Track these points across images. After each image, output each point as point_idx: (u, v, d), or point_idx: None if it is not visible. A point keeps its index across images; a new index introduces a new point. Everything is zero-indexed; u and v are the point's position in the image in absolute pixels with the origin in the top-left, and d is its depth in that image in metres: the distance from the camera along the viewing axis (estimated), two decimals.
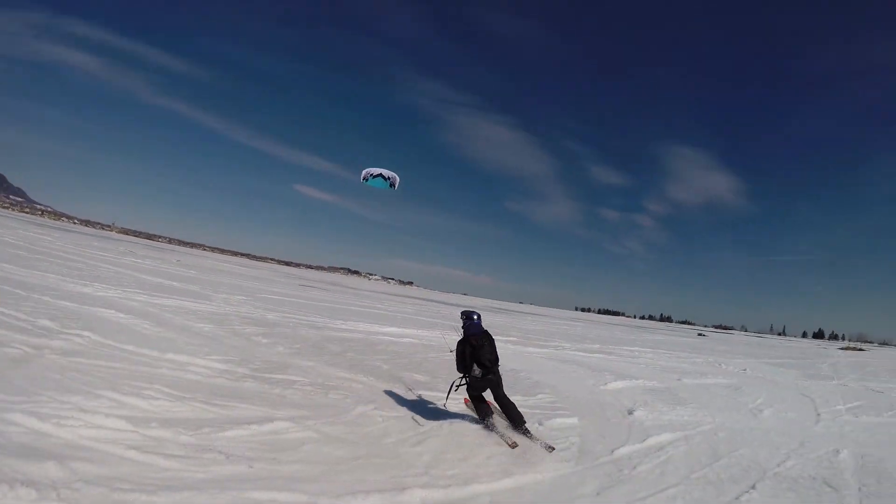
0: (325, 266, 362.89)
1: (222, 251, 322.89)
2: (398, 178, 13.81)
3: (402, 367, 12.58)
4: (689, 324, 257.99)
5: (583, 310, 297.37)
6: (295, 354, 12.24)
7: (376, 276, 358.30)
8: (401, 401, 9.23)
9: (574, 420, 9.39)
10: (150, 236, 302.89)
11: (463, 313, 8.48)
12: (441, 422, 7.97)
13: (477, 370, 7.82)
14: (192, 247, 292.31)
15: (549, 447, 7.45)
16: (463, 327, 8.27)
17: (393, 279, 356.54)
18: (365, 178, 15.55)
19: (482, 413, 8.11)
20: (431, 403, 9.37)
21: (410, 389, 10.26)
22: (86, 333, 10.12)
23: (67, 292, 15.46)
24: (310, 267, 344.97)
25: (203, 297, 21.98)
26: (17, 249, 28.65)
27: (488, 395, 8.17)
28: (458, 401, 8.93)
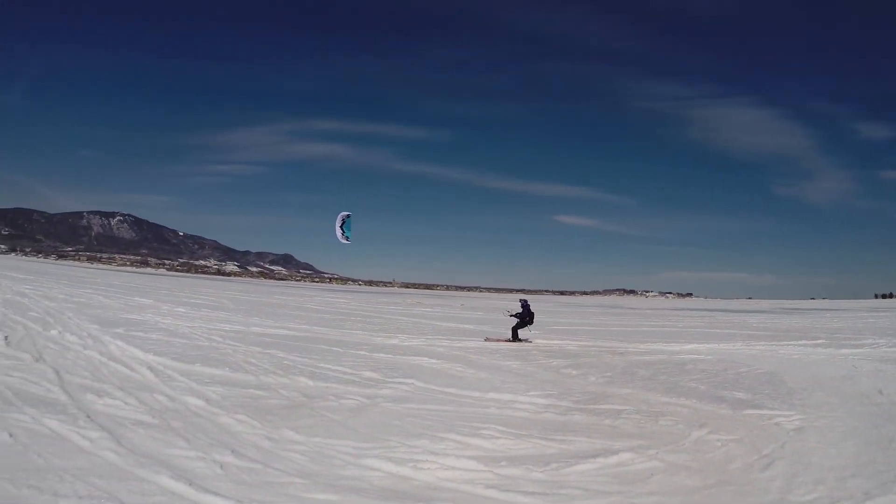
0: (600, 290, 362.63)
1: (497, 290, 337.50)
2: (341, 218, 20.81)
3: (719, 386, 11.92)
4: None
5: (883, 296, 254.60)
6: (608, 383, 12.12)
7: (653, 293, 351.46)
8: (732, 422, 8.74)
9: None
10: (428, 286, 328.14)
11: (521, 300, 21.33)
12: (782, 443, 7.50)
13: (529, 321, 20.39)
14: (468, 290, 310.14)
15: (528, 340, 20.34)
16: (522, 305, 20.54)
17: (670, 293, 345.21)
18: (345, 235, 20.11)
19: (515, 338, 19.91)
20: (764, 423, 8.71)
21: (736, 409, 9.63)
22: (409, 381, 11.03)
23: (378, 345, 17.13)
24: (584, 293, 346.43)
25: (496, 335, 22.74)
26: (322, 313, 32.67)
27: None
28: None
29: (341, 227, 20.44)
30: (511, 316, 20.82)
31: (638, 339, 23.48)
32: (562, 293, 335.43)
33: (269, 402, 8.84)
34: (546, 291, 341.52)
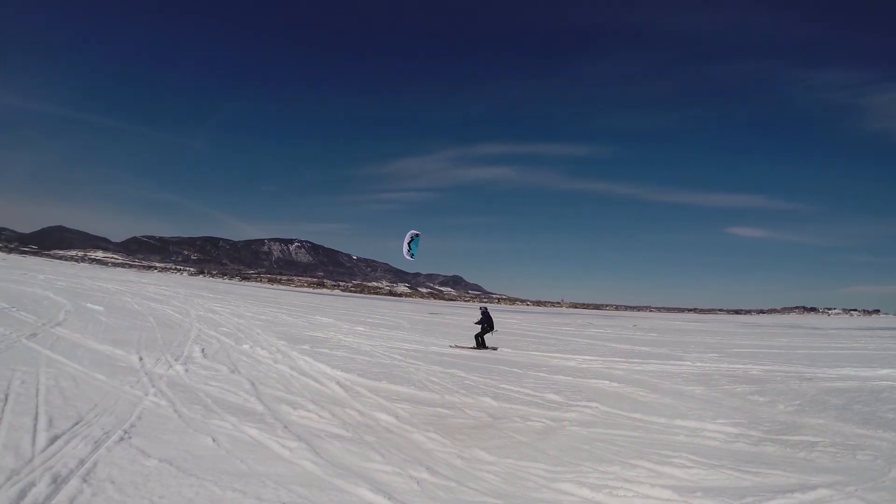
0: (778, 308, 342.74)
1: (668, 309, 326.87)
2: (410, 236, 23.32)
3: None
4: None
5: None
6: (799, 412, 11.42)
7: (836, 310, 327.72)
8: None
9: None
10: (596, 306, 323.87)
11: (481, 307, 23.11)
12: None
13: (488, 328, 21.61)
14: (638, 310, 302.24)
15: (494, 348, 21.52)
16: (482, 313, 22.23)
17: (855, 311, 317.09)
18: (411, 252, 21.37)
19: (479, 346, 21.30)
20: None
21: None
22: (592, 404, 10.97)
23: (556, 366, 17.17)
24: (760, 311, 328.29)
25: (676, 358, 22.07)
26: (495, 334, 32.86)
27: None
28: None
29: (409, 243, 22.94)
30: (475, 324, 22.49)
31: (825, 363, 21.86)
32: (737, 312, 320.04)
33: (457, 422, 9.15)
34: (719, 310, 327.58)
